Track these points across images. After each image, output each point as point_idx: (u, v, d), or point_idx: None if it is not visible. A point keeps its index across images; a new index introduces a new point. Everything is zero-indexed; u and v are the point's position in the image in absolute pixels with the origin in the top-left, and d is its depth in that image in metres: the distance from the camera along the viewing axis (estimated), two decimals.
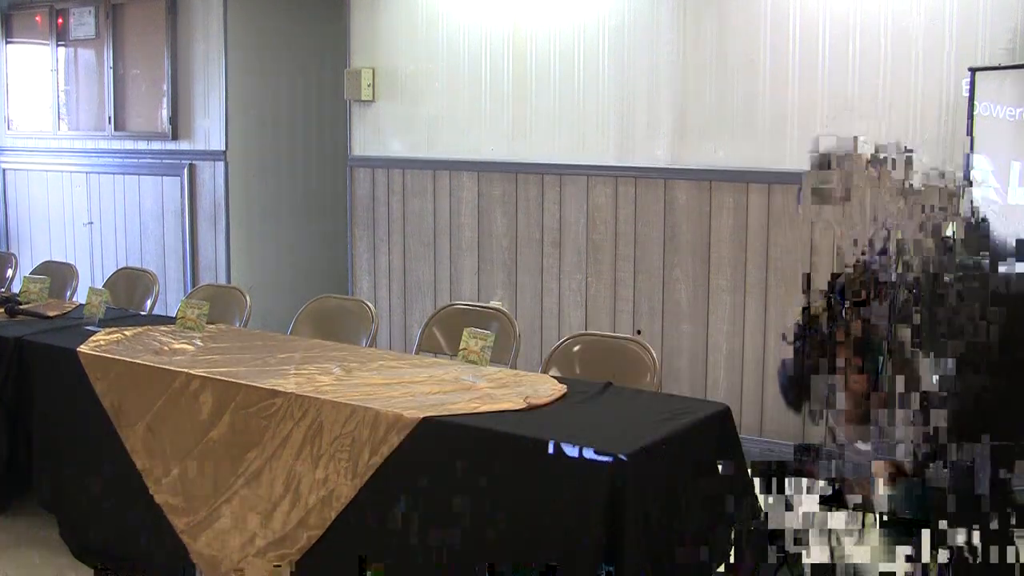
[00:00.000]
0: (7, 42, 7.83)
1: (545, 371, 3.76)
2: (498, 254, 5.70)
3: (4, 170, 7.97)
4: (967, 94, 4.18)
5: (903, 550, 2.91)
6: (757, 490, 3.38)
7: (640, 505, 2.59)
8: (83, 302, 4.50)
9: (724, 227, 4.88)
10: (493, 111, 5.64)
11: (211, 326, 4.12)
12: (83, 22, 7.32)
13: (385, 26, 6.00)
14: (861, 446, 3.10)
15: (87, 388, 3.63)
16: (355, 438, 2.97)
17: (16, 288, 5.00)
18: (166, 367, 3.48)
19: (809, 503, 3.51)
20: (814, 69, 4.66)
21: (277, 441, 3.15)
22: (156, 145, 6.94)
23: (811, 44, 4.67)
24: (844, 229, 2.92)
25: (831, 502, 3.47)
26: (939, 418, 2.65)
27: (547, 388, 3.22)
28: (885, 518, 2.91)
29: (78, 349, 3.72)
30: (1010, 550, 2.50)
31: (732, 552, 3.38)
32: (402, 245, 6.05)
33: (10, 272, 5.87)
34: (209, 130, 6.67)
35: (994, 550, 2.50)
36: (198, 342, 3.86)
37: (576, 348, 3.83)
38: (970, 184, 3.04)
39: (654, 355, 3.67)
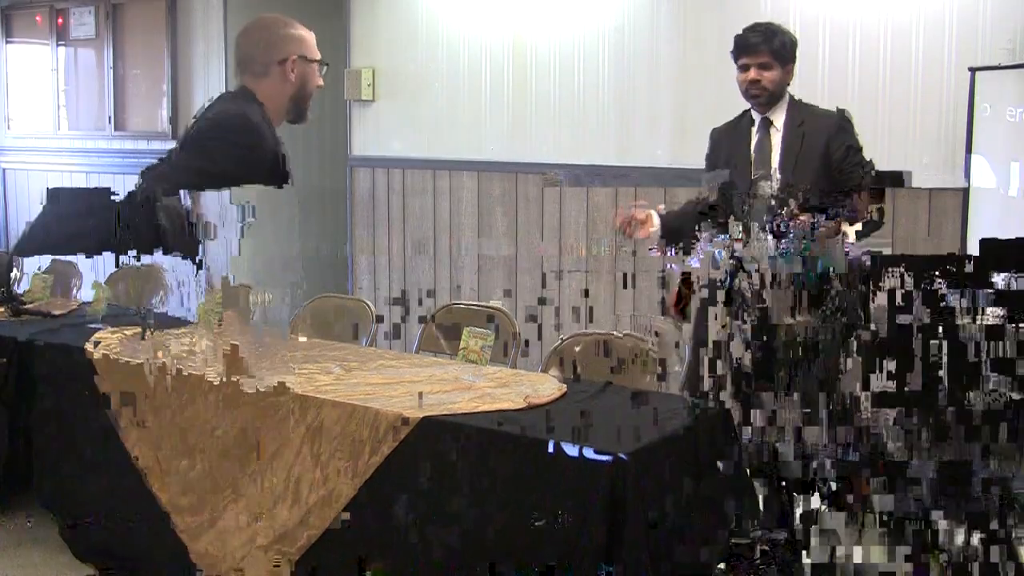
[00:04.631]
0: (7, 42, 7.83)
1: (545, 371, 3.77)
2: (498, 254, 5.70)
3: (4, 170, 7.97)
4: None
5: (903, 550, 2.92)
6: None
7: (640, 505, 2.59)
8: (87, 300, 4.50)
9: None
10: (493, 110, 5.64)
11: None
12: (83, 22, 7.33)
13: (385, 26, 6.00)
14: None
15: (87, 388, 3.63)
16: (355, 438, 2.97)
17: (21, 288, 5.00)
18: (167, 366, 3.48)
19: (809, 503, 3.51)
20: (814, 69, 4.66)
21: (277, 440, 3.15)
22: (156, 145, 6.94)
23: (811, 44, 4.66)
24: None
25: (831, 502, 3.48)
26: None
27: (547, 388, 3.22)
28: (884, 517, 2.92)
29: (79, 348, 3.72)
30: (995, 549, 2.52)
31: (732, 552, 3.39)
32: (402, 245, 6.05)
33: (15, 272, 5.87)
34: None
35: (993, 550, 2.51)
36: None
37: (577, 348, 3.83)
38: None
39: (655, 354, 3.67)
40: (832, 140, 3.48)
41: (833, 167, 3.47)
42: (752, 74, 3.56)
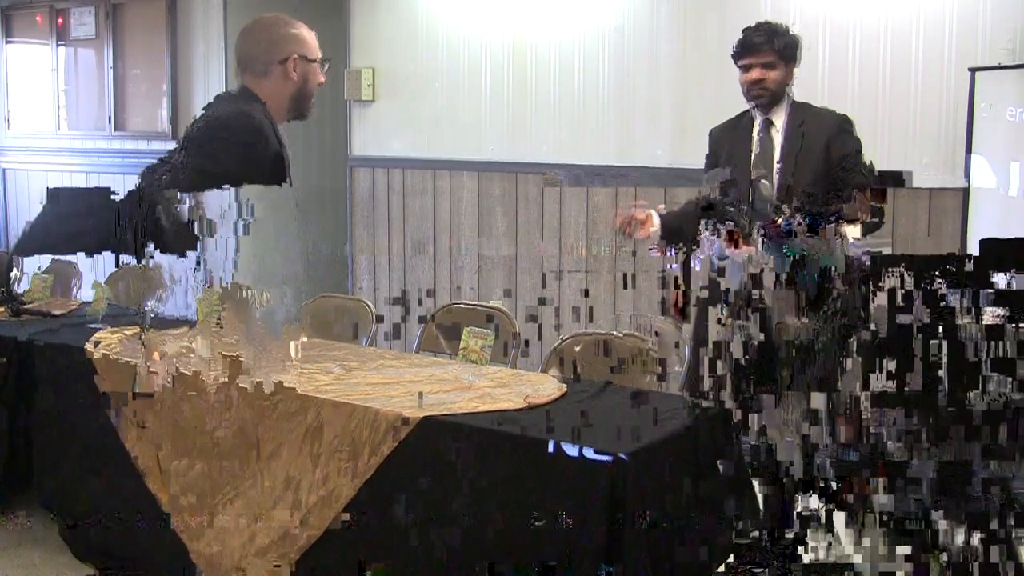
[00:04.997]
0: (7, 42, 7.83)
1: (545, 371, 3.77)
2: (498, 254, 5.69)
3: (4, 170, 7.97)
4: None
5: (903, 550, 2.92)
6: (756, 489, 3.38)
7: (640, 505, 2.59)
8: (88, 299, 4.50)
9: None
10: (493, 110, 5.64)
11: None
12: (83, 22, 7.33)
13: (385, 26, 6.00)
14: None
15: (87, 388, 3.63)
16: (355, 438, 2.97)
17: (21, 288, 5.00)
18: (167, 366, 3.48)
19: (809, 503, 3.51)
20: (814, 70, 4.66)
21: (277, 440, 3.15)
22: (156, 145, 6.93)
23: (811, 44, 4.66)
24: None
25: (831, 502, 3.48)
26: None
27: (547, 388, 3.22)
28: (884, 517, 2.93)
29: (81, 348, 3.72)
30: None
31: (732, 552, 3.39)
32: (402, 245, 6.05)
33: (15, 272, 5.86)
34: None
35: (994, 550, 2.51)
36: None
37: (577, 348, 3.83)
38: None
39: (655, 354, 3.68)
40: (833, 141, 3.50)
41: (833, 167, 3.48)
42: (756, 74, 3.57)
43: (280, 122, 2.94)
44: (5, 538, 3.88)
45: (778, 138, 3.61)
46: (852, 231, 3.19)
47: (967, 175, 4.17)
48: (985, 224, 4.10)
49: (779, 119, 3.61)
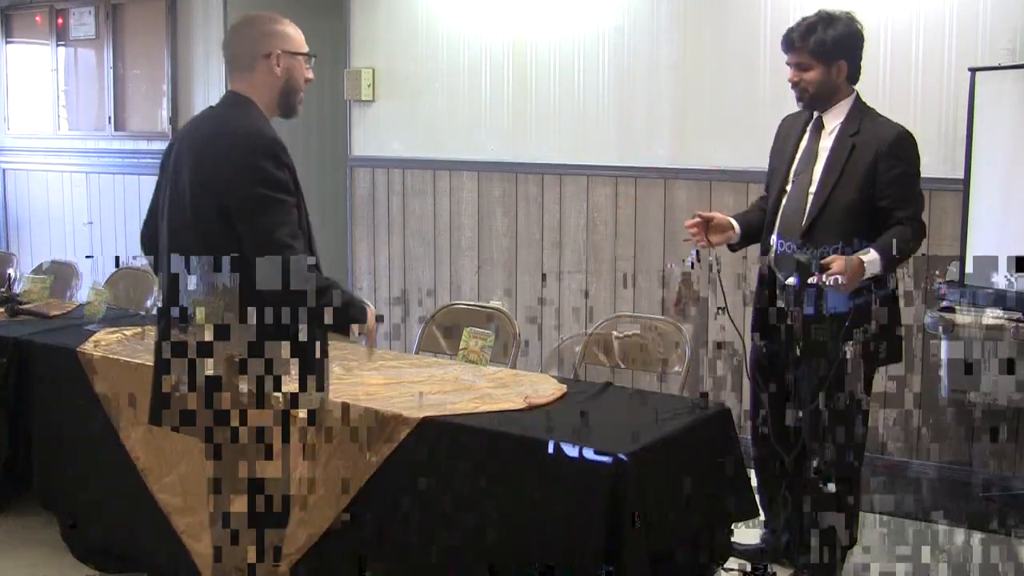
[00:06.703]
0: (7, 42, 7.83)
1: (585, 354, 3.86)
2: (498, 254, 5.70)
3: (4, 170, 7.97)
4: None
5: (902, 549, 2.92)
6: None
7: (640, 505, 2.59)
8: (84, 302, 4.50)
9: None
10: (493, 111, 5.64)
11: None
12: (83, 22, 7.32)
13: (385, 26, 6.00)
14: None
15: (87, 388, 3.63)
16: (355, 438, 2.97)
17: (18, 288, 5.00)
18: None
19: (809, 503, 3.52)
20: None
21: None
22: (156, 145, 6.93)
23: None
24: None
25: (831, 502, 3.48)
26: None
27: (547, 388, 3.22)
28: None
29: (78, 349, 3.72)
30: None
31: (731, 552, 3.39)
32: (402, 245, 6.05)
33: (11, 272, 5.87)
34: None
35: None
36: None
37: (614, 332, 3.92)
38: None
39: (687, 345, 3.84)
40: (883, 158, 3.16)
41: (877, 190, 3.17)
42: (791, 76, 3.29)
43: (270, 118, 2.94)
44: (5, 538, 3.88)
45: (826, 142, 3.29)
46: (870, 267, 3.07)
47: (967, 175, 4.17)
48: (985, 224, 4.10)
49: (832, 121, 3.29)
